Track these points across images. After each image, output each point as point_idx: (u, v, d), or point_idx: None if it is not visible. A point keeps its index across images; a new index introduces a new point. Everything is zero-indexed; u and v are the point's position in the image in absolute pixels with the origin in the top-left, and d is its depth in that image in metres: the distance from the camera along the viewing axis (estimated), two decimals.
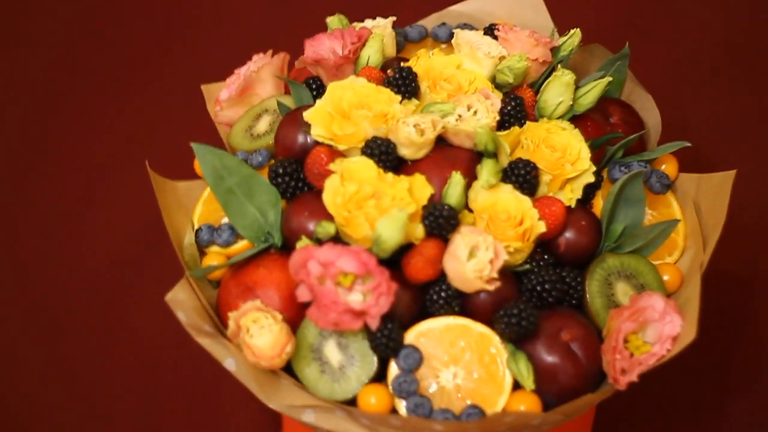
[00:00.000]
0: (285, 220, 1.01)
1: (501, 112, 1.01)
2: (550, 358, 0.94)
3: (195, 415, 1.40)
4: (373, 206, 0.93)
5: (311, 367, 0.96)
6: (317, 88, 1.12)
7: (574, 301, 0.99)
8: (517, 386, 0.95)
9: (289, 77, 1.18)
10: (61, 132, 1.73)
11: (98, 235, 1.59)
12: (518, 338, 0.93)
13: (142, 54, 1.86)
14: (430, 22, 1.28)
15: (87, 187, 1.65)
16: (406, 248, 0.95)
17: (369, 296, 0.90)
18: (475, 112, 0.99)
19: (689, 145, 1.07)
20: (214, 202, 1.08)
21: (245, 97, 1.17)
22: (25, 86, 1.81)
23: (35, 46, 1.87)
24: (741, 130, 1.67)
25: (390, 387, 0.94)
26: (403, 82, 1.02)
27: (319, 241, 0.96)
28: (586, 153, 1.00)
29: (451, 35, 1.20)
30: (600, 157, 1.07)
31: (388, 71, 1.04)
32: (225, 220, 1.07)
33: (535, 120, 1.04)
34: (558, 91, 1.02)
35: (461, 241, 0.92)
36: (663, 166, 1.10)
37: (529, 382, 0.92)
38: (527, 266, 0.97)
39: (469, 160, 0.99)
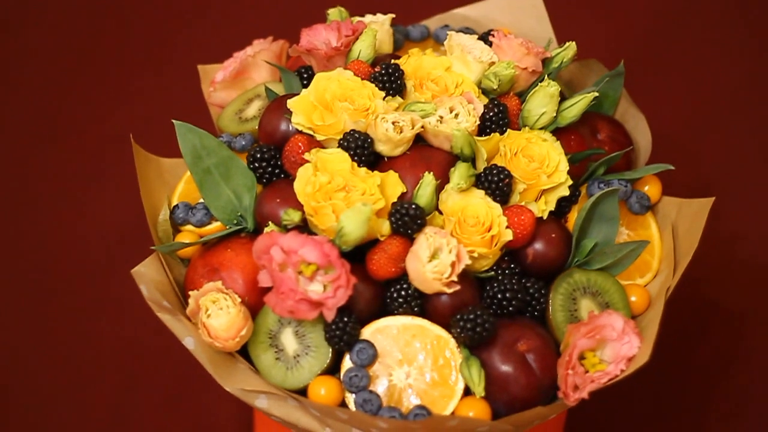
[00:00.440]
0: (258, 205, 1.01)
1: (482, 118, 1.00)
2: (503, 367, 0.94)
3: (173, 401, 1.41)
4: (342, 198, 0.93)
5: (267, 353, 0.96)
6: (309, 78, 1.12)
7: (536, 313, 0.98)
8: (469, 392, 0.94)
9: (287, 65, 1.19)
10: (66, 114, 1.74)
11: (97, 219, 1.59)
12: (473, 344, 0.93)
13: (148, 37, 1.85)
14: (433, 23, 1.28)
15: (86, 172, 1.66)
16: (373, 244, 0.95)
17: (329, 287, 0.91)
18: (457, 115, 0.99)
19: (672, 168, 1.06)
20: None
21: (239, 81, 1.18)
22: (28, 78, 1.81)
23: (34, 43, 1.86)
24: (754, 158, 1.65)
25: (342, 380, 0.94)
26: (389, 79, 1.01)
27: (286, 228, 0.96)
28: (564, 166, 0.99)
29: None
30: (581, 173, 1.06)
31: (376, 67, 1.04)
32: (202, 200, 1.08)
33: (519, 129, 1.03)
34: (542, 102, 1.01)
35: (424, 242, 0.92)
36: (646, 188, 1.09)
37: (479, 388, 0.92)
38: (491, 273, 0.97)
39: (446, 163, 0.99)
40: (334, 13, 1.16)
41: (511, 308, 0.95)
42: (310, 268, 0.90)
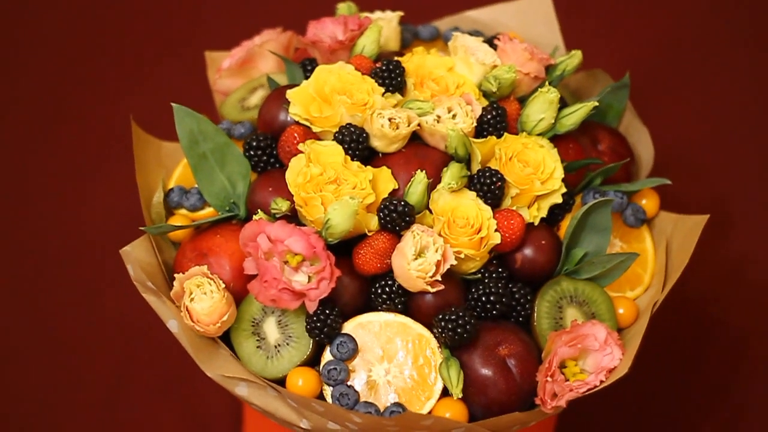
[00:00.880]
0: (250, 193, 1.01)
1: (480, 120, 1.00)
2: (483, 370, 0.93)
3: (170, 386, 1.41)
4: (332, 191, 0.93)
5: (248, 341, 0.96)
6: (312, 70, 1.11)
7: (521, 319, 0.98)
8: (448, 393, 0.94)
9: (294, 57, 1.19)
10: (72, 105, 1.73)
11: (98, 209, 1.59)
12: (453, 344, 0.93)
13: (156, 25, 1.85)
14: (444, 24, 1.27)
15: (88, 162, 1.66)
16: (361, 238, 0.95)
17: (313, 279, 0.91)
18: (454, 116, 0.99)
19: (668, 182, 1.05)
20: None
21: (245, 69, 1.18)
22: (28, 75, 1.80)
23: (34, 41, 1.86)
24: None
25: (320, 373, 0.94)
26: (389, 75, 1.01)
27: (275, 217, 0.96)
28: (559, 173, 0.99)
29: None
30: (578, 182, 1.06)
31: (378, 63, 1.04)
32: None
33: (517, 133, 1.03)
34: (541, 108, 1.01)
35: (411, 239, 0.91)
36: (643, 201, 1.08)
37: (456, 390, 0.91)
38: (478, 276, 0.97)
39: (440, 162, 0.98)
40: (343, 7, 1.17)
41: (495, 312, 0.95)
42: (296, 259, 0.90)
